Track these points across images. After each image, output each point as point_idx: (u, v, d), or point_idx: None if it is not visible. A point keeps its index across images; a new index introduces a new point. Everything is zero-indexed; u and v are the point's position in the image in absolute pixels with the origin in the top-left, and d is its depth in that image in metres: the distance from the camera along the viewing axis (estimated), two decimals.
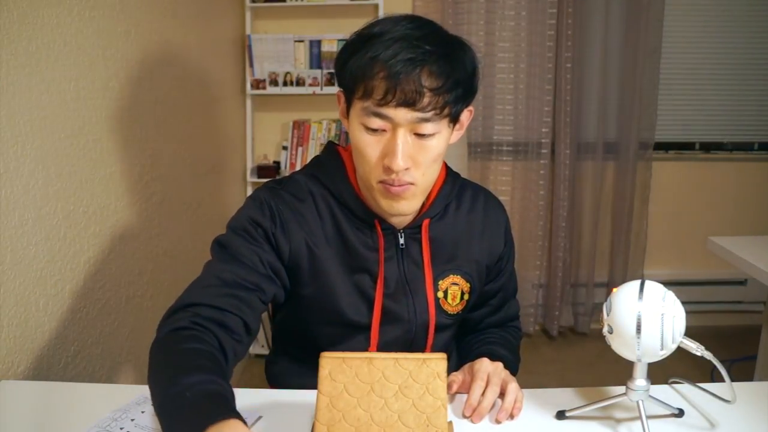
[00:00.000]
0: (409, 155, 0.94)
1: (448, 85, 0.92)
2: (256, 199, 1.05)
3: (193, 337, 0.89)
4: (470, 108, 1.03)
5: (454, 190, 1.12)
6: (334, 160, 1.09)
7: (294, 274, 1.04)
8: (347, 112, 0.99)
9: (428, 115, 0.92)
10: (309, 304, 1.07)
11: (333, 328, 1.08)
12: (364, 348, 1.08)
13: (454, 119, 0.98)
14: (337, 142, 1.05)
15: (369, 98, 0.92)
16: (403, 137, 0.93)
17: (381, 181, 0.97)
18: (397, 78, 0.89)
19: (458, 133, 1.03)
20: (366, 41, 0.93)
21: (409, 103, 0.90)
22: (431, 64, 0.90)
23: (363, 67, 0.92)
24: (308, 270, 1.04)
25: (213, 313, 0.93)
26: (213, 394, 0.79)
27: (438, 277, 1.10)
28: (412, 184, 0.97)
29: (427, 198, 1.09)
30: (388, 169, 0.94)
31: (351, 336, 1.08)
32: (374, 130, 0.94)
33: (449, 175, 1.13)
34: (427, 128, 0.93)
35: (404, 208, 1.00)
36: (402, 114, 0.91)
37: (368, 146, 0.95)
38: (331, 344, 1.08)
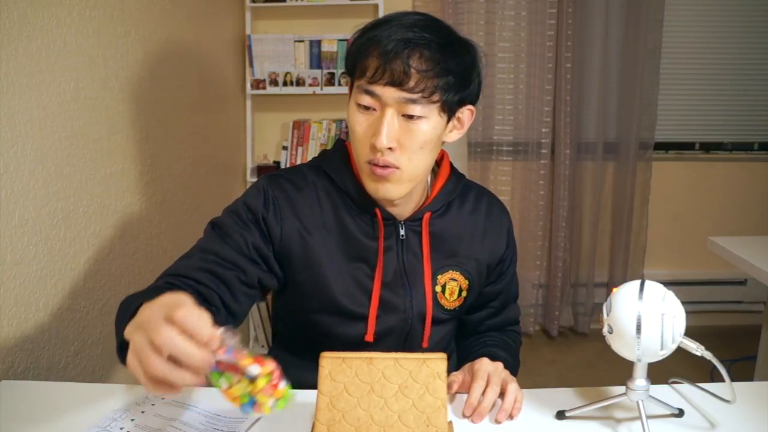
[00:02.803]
0: (395, 137, 0.96)
1: (437, 70, 0.93)
2: (255, 187, 1.09)
3: (170, 287, 0.95)
4: (471, 108, 1.04)
5: (457, 188, 1.13)
6: (339, 151, 1.11)
7: (286, 259, 1.06)
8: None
9: (415, 96, 0.93)
10: (304, 291, 1.08)
11: (330, 317, 1.08)
12: (361, 336, 1.08)
13: (448, 110, 0.99)
14: (345, 139, 1.08)
15: (363, 77, 0.96)
16: (390, 117, 0.95)
17: (368, 161, 0.99)
18: (387, 57, 0.92)
19: (458, 132, 1.05)
20: (371, 28, 0.98)
21: (397, 83, 0.93)
22: (424, 48, 0.93)
23: (360, 47, 0.97)
24: (301, 257, 1.06)
25: (191, 283, 0.98)
26: (161, 287, 0.85)
27: (437, 271, 1.10)
28: (397, 168, 0.98)
29: (430, 192, 1.11)
30: (373, 148, 0.96)
31: (348, 324, 1.08)
32: (365, 108, 0.97)
33: (453, 173, 1.14)
34: (414, 110, 0.95)
35: (389, 192, 1.01)
36: (389, 93, 0.94)
37: (358, 124, 0.98)
38: (329, 332, 1.09)
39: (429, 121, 0.97)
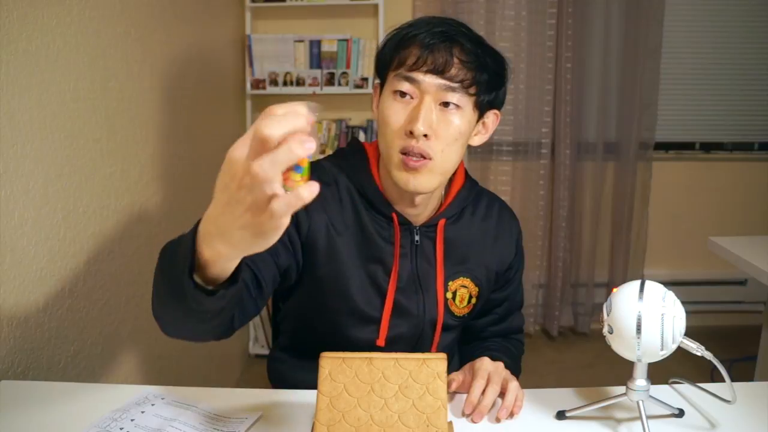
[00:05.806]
0: (431, 124, 0.97)
1: (476, 63, 0.97)
2: None
3: None
4: (496, 112, 1.06)
5: (471, 195, 1.14)
6: (358, 151, 1.11)
7: (310, 252, 1.05)
8: (380, 91, 1.04)
9: (455, 85, 0.97)
10: (322, 287, 1.07)
11: (344, 316, 1.08)
12: (373, 341, 1.08)
13: (480, 108, 1.01)
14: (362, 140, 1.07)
15: (402, 66, 0.98)
16: (428, 104, 0.97)
17: (401, 151, 0.98)
18: (430, 48, 0.96)
19: (482, 137, 1.07)
20: (403, 28, 1.01)
21: (439, 71, 0.96)
22: (464, 41, 0.97)
23: (399, 42, 1.00)
24: (325, 251, 1.05)
25: None
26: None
27: (449, 277, 1.11)
28: (430, 159, 0.98)
29: (445, 198, 1.11)
30: (409, 134, 0.96)
31: (360, 327, 1.08)
32: (403, 95, 0.98)
33: (468, 180, 1.15)
34: (452, 97, 0.97)
35: (420, 184, 1.00)
36: (430, 80, 0.96)
37: (394, 113, 0.99)
38: (340, 335, 1.08)
39: (464, 114, 0.99)
